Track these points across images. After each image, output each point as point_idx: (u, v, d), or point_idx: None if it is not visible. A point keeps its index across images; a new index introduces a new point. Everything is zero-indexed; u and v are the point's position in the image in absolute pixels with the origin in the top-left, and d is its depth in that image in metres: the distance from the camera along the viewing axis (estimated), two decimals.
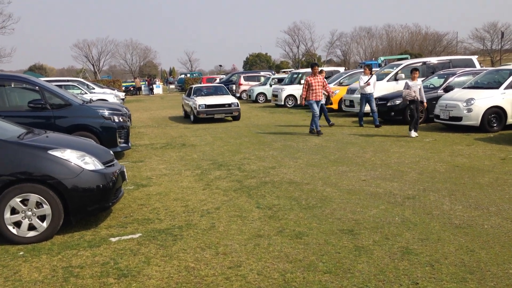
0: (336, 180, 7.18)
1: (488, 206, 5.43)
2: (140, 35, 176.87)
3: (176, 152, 10.66)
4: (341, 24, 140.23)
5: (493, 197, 5.81)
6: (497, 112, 11.25)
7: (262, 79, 30.88)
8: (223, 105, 16.80)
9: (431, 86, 14.55)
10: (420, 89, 11.26)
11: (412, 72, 11.38)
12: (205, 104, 16.55)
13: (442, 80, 14.40)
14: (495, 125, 11.30)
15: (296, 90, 22.87)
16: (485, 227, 4.73)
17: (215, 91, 18.72)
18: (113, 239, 5.02)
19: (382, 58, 54.24)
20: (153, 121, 18.72)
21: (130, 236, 5.08)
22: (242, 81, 30.87)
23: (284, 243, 4.60)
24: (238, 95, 29.85)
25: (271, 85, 26.70)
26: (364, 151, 9.65)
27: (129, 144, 10.26)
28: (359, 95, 14.20)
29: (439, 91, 13.63)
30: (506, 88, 11.30)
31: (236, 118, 17.27)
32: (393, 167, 7.94)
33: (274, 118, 17.87)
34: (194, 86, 19.30)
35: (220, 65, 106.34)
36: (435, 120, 12.48)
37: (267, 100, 26.52)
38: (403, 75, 16.55)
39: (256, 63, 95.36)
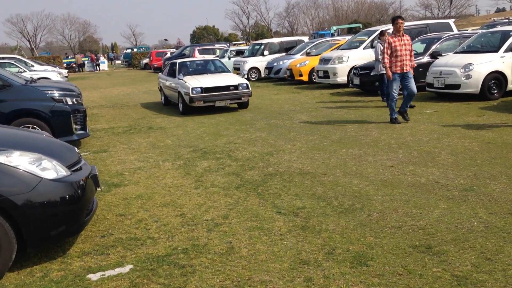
0: (357, 168, 5.86)
1: None
2: (78, 9, 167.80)
3: (144, 138, 8.99)
4: None
5: None
6: (497, 78, 10.26)
7: (218, 52, 29.06)
8: (227, 88, 11.46)
9: (414, 52, 13.49)
10: None
11: None
12: (201, 87, 11.24)
13: (425, 45, 13.37)
14: (495, 92, 10.33)
15: (259, 62, 21.49)
16: None
17: (208, 68, 13.50)
18: (93, 277, 3.50)
19: (334, 28, 53.54)
20: (106, 101, 16.67)
21: (117, 271, 3.56)
22: (197, 54, 28.87)
23: (347, 275, 3.23)
24: None
25: (229, 58, 25.05)
26: (366, 128, 8.40)
27: (87, 131, 8.52)
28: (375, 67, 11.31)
29: (425, 57, 12.59)
30: (506, 51, 10.32)
31: (243, 105, 12.06)
32: (414, 147, 6.72)
33: None
34: (178, 61, 13.57)
35: (166, 39, 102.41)
36: (427, 89, 11.41)
37: None
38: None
39: (203, 36, 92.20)
